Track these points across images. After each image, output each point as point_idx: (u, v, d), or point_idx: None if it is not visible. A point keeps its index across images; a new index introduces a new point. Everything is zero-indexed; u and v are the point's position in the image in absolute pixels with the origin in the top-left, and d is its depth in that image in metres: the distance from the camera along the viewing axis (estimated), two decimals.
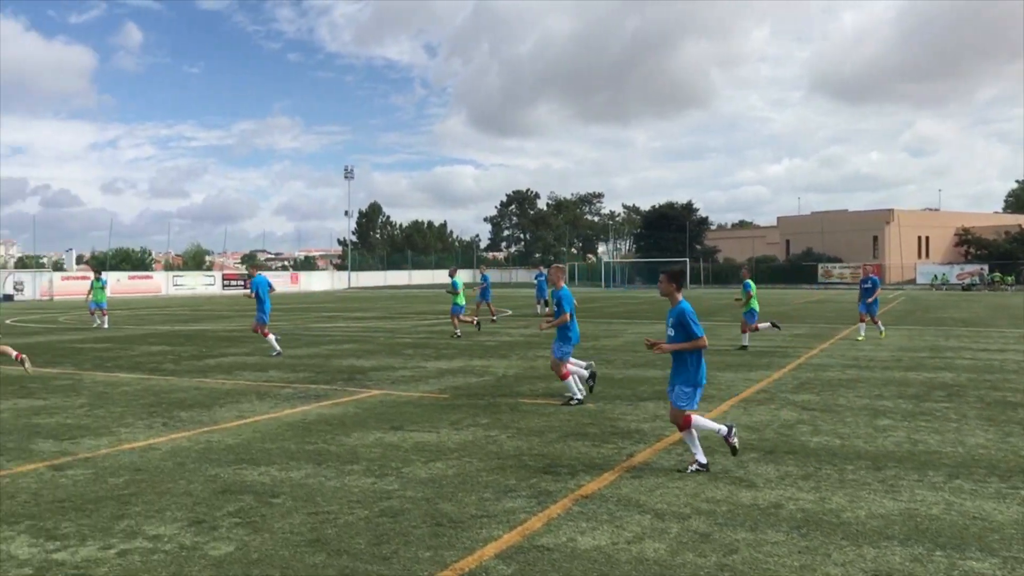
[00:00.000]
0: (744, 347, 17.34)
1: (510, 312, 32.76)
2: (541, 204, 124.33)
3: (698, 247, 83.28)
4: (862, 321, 19.84)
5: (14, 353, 12.11)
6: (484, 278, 27.06)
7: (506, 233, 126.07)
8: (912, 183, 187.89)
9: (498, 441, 8.24)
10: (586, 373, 10.91)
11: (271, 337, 16.57)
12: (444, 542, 5.19)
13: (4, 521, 5.69)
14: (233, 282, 74.56)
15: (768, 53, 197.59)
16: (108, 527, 5.55)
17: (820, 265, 74.90)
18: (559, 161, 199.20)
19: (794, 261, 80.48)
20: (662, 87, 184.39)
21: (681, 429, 7.01)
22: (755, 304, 17.64)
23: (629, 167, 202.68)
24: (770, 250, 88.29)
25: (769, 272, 73.54)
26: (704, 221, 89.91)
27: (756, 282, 18.89)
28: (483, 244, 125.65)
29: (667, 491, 6.35)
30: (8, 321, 30.31)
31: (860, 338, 19.23)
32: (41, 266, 68.24)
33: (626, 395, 11.20)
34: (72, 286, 59.33)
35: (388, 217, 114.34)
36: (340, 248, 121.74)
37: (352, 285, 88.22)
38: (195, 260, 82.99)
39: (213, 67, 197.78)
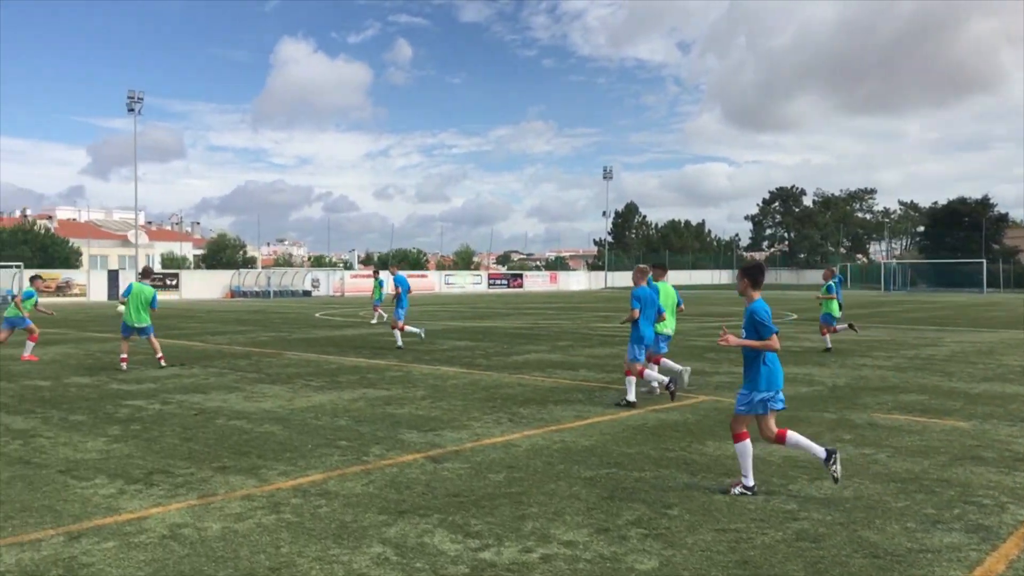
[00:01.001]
0: (828, 349, 17.09)
1: (794, 316, 30.94)
2: (807, 201, 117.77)
3: (996, 247, 74.61)
4: None
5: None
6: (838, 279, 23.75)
7: (768, 232, 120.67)
8: None
9: (879, 461, 7.40)
10: (665, 380, 10.60)
11: (398, 332, 17.93)
12: None
13: (416, 512, 5.81)
14: (498, 281, 77.74)
15: None
16: (516, 527, 5.47)
17: None
18: (819, 156, 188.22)
19: None
20: (940, 72, 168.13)
21: (735, 441, 6.41)
22: (834, 308, 17.46)
23: (899, 160, 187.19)
24: None
25: None
26: (1003, 218, 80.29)
27: None
28: (743, 243, 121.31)
29: None
30: (317, 315, 33.33)
31: None
32: (333, 265, 74.87)
33: (998, 413, 9.82)
34: (359, 283, 64.65)
35: (644, 217, 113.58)
36: (591, 248, 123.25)
37: (608, 285, 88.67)
38: (464, 260, 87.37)
39: (473, 77, 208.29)
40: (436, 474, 6.89)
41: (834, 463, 6.30)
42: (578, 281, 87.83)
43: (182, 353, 17.05)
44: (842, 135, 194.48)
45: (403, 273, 19.65)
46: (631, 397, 10.28)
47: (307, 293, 61.10)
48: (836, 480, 6.37)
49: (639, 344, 10.38)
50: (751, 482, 6.32)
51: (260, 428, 8.92)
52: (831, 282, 17.80)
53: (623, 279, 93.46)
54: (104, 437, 8.46)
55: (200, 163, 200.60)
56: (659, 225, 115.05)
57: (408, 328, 18.39)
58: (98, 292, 51.73)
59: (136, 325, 14.42)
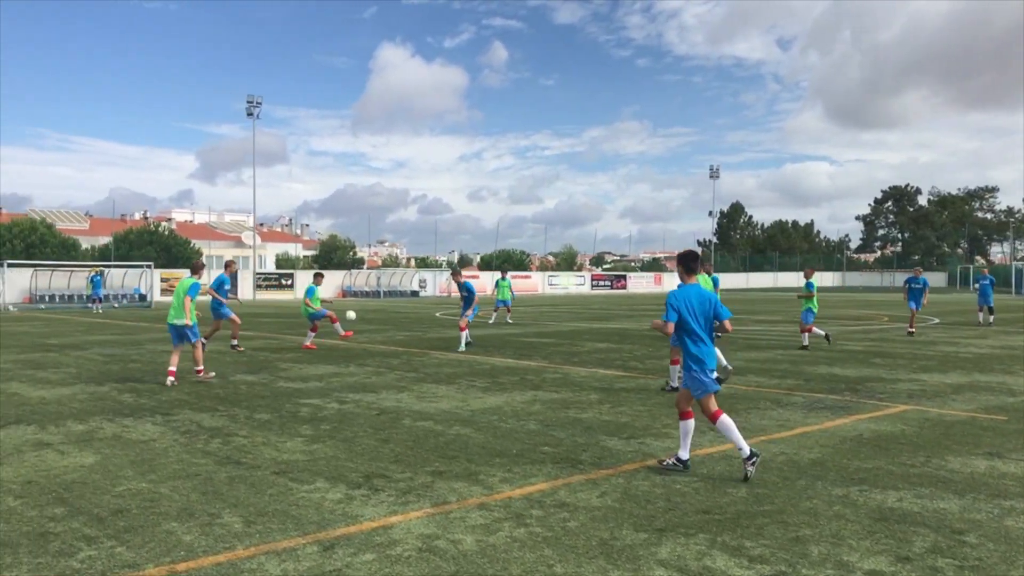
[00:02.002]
0: (805, 347, 17.68)
1: (936, 320, 29.22)
2: (922, 201, 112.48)
3: None
4: None
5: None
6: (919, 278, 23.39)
7: (880, 232, 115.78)
8: None
9: None
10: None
11: (465, 334, 17.70)
12: None
13: (674, 530, 5.31)
14: (601, 282, 76.95)
15: None
16: (800, 552, 4.91)
17: None
18: (927, 153, 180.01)
19: None
20: None
21: (680, 418, 6.89)
22: (814, 305, 18.23)
23: (1015, 157, 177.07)
24: None
25: None
26: None
27: None
28: (853, 244, 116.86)
29: None
30: (437, 314, 33.38)
31: None
32: (439, 266, 75.54)
33: None
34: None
35: (750, 217, 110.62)
36: (691, 249, 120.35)
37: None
38: (567, 261, 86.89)
39: (567, 78, 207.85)
40: (669, 487, 6.39)
41: (752, 464, 6.48)
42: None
43: (330, 351, 17.09)
44: (952, 131, 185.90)
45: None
46: (674, 383, 10.89)
47: (415, 293, 61.76)
48: (747, 478, 6.47)
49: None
50: (685, 455, 6.77)
51: (451, 431, 8.61)
52: (811, 280, 18.61)
53: (729, 281, 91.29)
54: (299, 437, 8.29)
55: (302, 167, 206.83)
56: (765, 225, 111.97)
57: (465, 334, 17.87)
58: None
59: (173, 322, 12.29)
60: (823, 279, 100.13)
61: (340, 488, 6.33)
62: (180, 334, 12.36)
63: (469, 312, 17.84)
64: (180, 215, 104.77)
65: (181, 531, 5.28)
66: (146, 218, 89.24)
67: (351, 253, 76.31)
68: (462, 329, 17.81)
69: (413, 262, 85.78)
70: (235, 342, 17.35)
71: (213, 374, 12.86)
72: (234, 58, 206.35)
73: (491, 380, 12.54)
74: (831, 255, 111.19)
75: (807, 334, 18.05)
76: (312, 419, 9.29)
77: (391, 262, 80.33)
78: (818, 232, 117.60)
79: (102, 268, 39.24)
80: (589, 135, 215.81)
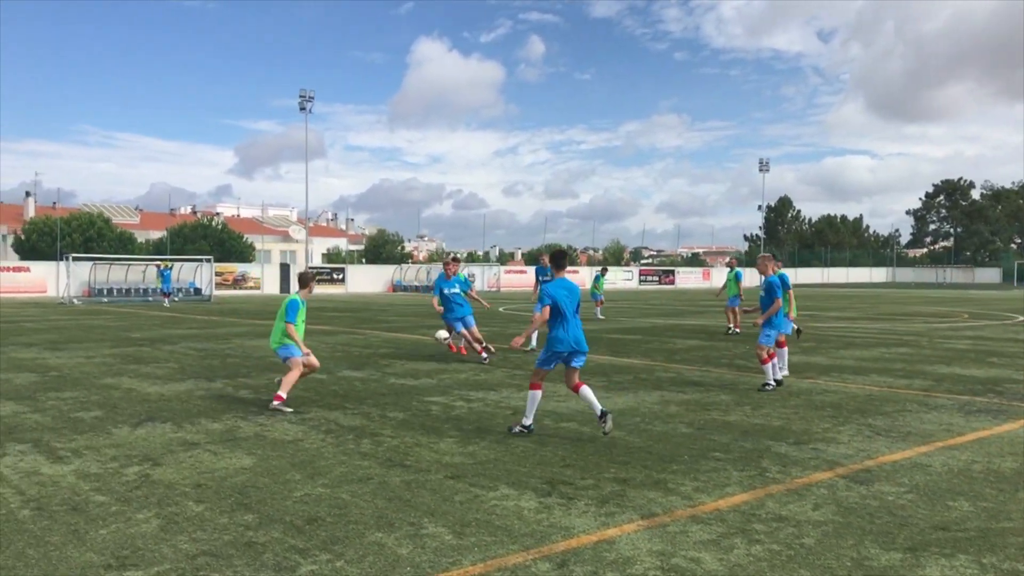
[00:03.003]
0: (729, 330, 19.81)
1: (1020, 318, 28.24)
2: (975, 195, 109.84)
3: None
4: None
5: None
6: None
7: (932, 227, 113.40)
8: None
9: None
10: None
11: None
12: None
13: (926, 549, 4.86)
14: (649, 277, 76.27)
15: None
16: None
17: None
18: (973, 147, 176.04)
19: None
20: None
21: (529, 388, 8.13)
22: (734, 290, 20.47)
23: None
24: None
25: None
26: None
27: None
28: (903, 239, 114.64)
29: None
30: (501, 309, 33.04)
31: None
32: (488, 261, 75.33)
33: None
34: (513, 279, 64.82)
35: (798, 212, 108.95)
36: (724, 243, 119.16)
37: None
38: (614, 256, 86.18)
39: (603, 72, 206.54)
40: (881, 499, 5.93)
41: (605, 421, 7.74)
42: None
43: (420, 347, 16.80)
44: (999, 124, 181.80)
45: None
46: (771, 382, 10.98)
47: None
48: (605, 433, 7.78)
49: (773, 329, 11.13)
50: (529, 421, 8.00)
51: (601, 433, 8.21)
52: (737, 270, 21.21)
53: None
54: (449, 438, 7.95)
55: (338, 162, 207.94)
56: (812, 220, 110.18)
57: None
58: (271, 285, 53.71)
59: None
60: (873, 275, 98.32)
61: (529, 496, 5.96)
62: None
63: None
64: (224, 209, 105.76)
65: (391, 543, 4.94)
66: (194, 212, 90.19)
67: (399, 248, 76.33)
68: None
69: (462, 256, 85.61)
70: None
71: (290, 411, 9.37)
72: (272, 55, 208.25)
73: (605, 379, 12.13)
74: (879, 250, 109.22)
75: (733, 317, 20.29)
76: (449, 418, 8.96)
77: (438, 256, 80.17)
78: (867, 227, 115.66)
79: (171, 263, 39.40)
80: (625, 129, 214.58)
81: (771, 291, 11.17)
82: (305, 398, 10.28)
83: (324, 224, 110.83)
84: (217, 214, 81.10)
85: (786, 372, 12.16)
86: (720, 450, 7.49)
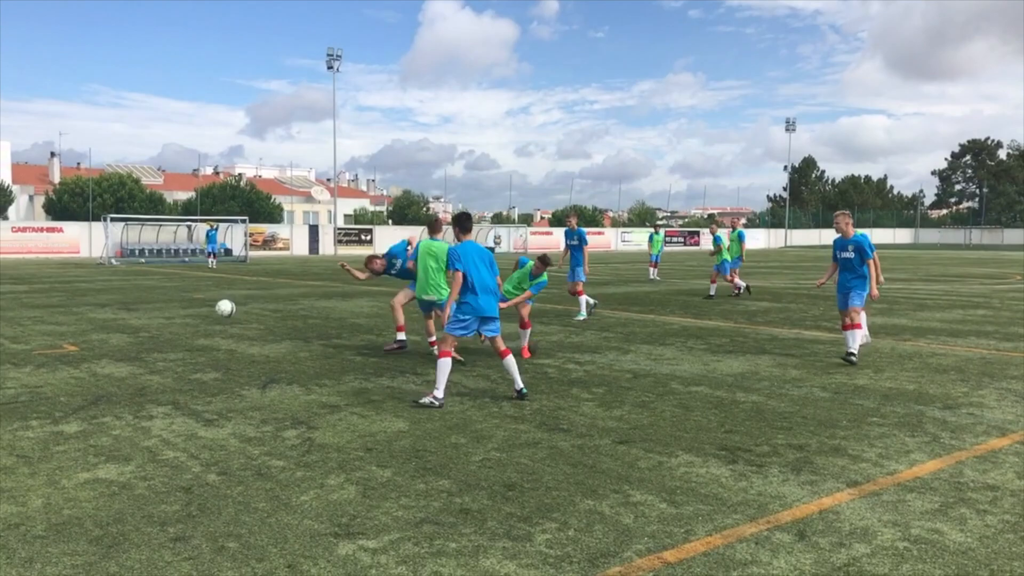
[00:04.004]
0: (711, 296, 19.40)
1: None
2: (1002, 155, 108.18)
3: None
4: None
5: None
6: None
7: (957, 187, 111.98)
8: None
9: None
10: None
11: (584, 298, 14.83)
12: None
13: None
14: (674, 239, 75.73)
15: None
16: None
17: None
18: (992, 106, 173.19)
19: None
20: None
21: (439, 356, 7.61)
22: (727, 255, 19.65)
23: None
24: None
25: None
26: None
27: None
28: (927, 200, 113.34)
29: None
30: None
31: None
32: (514, 222, 74.98)
33: None
34: (539, 240, 64.59)
35: (822, 172, 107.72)
36: (738, 205, 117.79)
37: (789, 243, 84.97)
38: (640, 217, 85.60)
39: (617, 30, 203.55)
40: None
41: (521, 398, 7.74)
42: (756, 239, 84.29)
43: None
44: (1019, 83, 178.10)
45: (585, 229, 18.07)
46: (864, 343, 10.67)
47: (491, 250, 61.14)
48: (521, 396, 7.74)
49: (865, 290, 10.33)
50: (441, 394, 7.49)
51: (740, 397, 8.04)
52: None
53: (800, 237, 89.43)
54: (585, 401, 7.80)
55: (349, 123, 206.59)
56: (835, 181, 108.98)
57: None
58: (300, 246, 53.62)
59: (427, 298, 10.01)
60: (896, 236, 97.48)
61: (715, 463, 5.80)
62: (430, 305, 10.20)
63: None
64: (243, 170, 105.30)
65: (608, 511, 4.79)
66: (216, 172, 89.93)
67: (425, 209, 75.98)
68: (580, 294, 14.93)
69: (487, 218, 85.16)
70: None
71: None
72: (283, 13, 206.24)
73: (703, 342, 11.94)
74: (901, 211, 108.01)
75: (714, 285, 19.92)
76: (571, 381, 8.81)
77: None
78: (891, 187, 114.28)
79: (216, 223, 39.27)
80: (639, 88, 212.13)
81: (862, 250, 10.23)
82: (409, 361, 10.14)
83: (344, 185, 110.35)
84: (239, 175, 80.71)
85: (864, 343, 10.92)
86: (874, 415, 7.30)
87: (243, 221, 44.63)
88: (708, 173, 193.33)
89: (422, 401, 7.53)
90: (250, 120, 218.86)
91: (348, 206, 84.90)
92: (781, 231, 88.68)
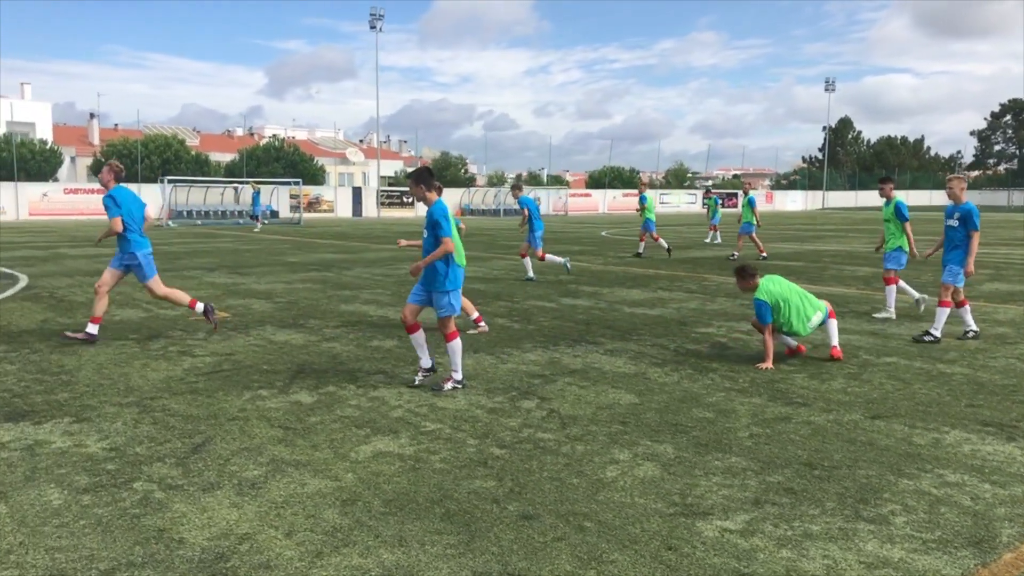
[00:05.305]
0: (639, 254, 20.60)
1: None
2: None
3: None
4: None
5: None
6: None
7: (997, 148, 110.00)
8: None
9: None
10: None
11: (551, 258, 15.47)
12: None
13: None
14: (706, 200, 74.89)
15: None
16: None
17: None
18: (1020, 64, 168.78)
19: None
20: None
21: (447, 340, 6.86)
22: (650, 215, 20.79)
23: None
24: None
25: None
26: None
27: None
28: (965, 160, 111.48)
29: None
30: (603, 233, 32.56)
31: None
32: (544, 184, 74.49)
33: None
34: (578, 202, 64.32)
35: (859, 133, 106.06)
36: (762, 166, 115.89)
37: (826, 205, 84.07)
38: (677, 178, 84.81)
39: None
40: None
41: (421, 375, 6.99)
42: (794, 201, 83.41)
43: (588, 274, 16.49)
44: None
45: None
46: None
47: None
48: (414, 384, 6.92)
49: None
50: (460, 376, 6.86)
51: (943, 369, 7.88)
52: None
53: (836, 199, 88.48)
54: (791, 373, 7.67)
55: (368, 83, 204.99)
56: (871, 142, 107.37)
57: (551, 257, 15.39)
58: (344, 208, 53.56)
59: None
60: (933, 198, 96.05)
61: (991, 440, 5.67)
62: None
63: (537, 237, 15.13)
64: (272, 131, 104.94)
65: (936, 491, 4.69)
66: (251, 134, 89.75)
67: (463, 171, 75.58)
68: (540, 257, 15.20)
69: (510, 178, 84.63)
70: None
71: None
72: None
73: (846, 309, 11.75)
74: (937, 173, 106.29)
75: (643, 243, 20.95)
76: (748, 353, 8.66)
77: (497, 180, 79.31)
78: (928, 148, 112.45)
79: (259, 185, 39.19)
80: (660, 47, 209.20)
81: (968, 220, 9.25)
82: (552, 327, 10.04)
83: (375, 147, 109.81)
84: (278, 137, 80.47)
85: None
86: (982, 397, 7.13)
87: (296, 183, 44.52)
88: (729, 133, 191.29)
89: (446, 388, 6.79)
90: (268, 80, 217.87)
91: (385, 168, 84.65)
92: (818, 193, 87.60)
